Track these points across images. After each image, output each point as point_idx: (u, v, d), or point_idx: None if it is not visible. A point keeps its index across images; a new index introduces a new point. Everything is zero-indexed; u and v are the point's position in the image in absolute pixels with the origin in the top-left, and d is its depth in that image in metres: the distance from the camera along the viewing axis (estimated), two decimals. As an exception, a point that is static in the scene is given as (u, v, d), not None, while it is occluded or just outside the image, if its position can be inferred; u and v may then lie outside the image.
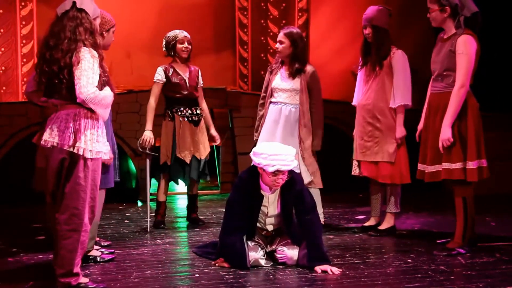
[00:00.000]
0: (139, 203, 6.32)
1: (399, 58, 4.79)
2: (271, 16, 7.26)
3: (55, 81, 3.43)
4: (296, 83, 4.82)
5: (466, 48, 4.19)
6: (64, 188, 3.44)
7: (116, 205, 6.14)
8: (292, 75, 4.82)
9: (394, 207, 4.91)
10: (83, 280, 3.56)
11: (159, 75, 5.15)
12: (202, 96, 5.32)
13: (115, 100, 3.61)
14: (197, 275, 3.89)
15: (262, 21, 7.27)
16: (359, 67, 4.99)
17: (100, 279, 3.78)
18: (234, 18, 7.28)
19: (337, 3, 7.47)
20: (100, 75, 3.46)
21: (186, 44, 5.13)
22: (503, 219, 5.45)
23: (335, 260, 4.16)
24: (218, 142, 5.44)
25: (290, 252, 4.06)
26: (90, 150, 3.44)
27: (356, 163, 4.98)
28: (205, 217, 5.53)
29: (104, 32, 4.13)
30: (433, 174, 4.34)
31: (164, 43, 5.19)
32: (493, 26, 6.63)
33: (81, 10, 3.50)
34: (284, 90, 4.85)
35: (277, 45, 4.86)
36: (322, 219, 4.82)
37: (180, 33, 5.14)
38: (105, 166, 3.74)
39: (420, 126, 4.58)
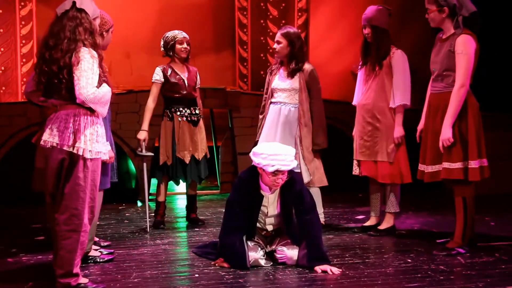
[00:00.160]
0: (139, 203, 6.32)
1: (398, 58, 4.79)
2: (270, 16, 7.27)
3: (55, 81, 3.43)
4: (295, 83, 4.82)
5: (465, 48, 4.19)
6: (63, 189, 3.44)
7: (115, 205, 6.14)
8: (291, 74, 4.83)
9: (393, 207, 4.91)
10: (83, 280, 3.56)
11: (157, 75, 5.15)
12: (199, 96, 5.33)
13: (114, 100, 3.61)
14: (196, 275, 3.89)
15: (262, 21, 7.27)
16: (359, 67, 4.99)
17: (99, 279, 3.78)
18: (233, 18, 7.28)
19: (337, 3, 7.47)
20: (99, 75, 3.46)
21: (185, 45, 5.14)
22: (503, 219, 5.45)
23: (335, 260, 4.16)
24: None
25: (290, 252, 4.06)
26: (89, 150, 3.44)
27: (356, 162, 4.98)
28: (204, 217, 5.53)
29: (104, 33, 4.13)
30: (433, 174, 4.34)
31: (162, 43, 5.19)
32: (492, 26, 6.64)
33: (81, 10, 3.50)
34: (283, 90, 4.86)
35: (275, 45, 4.88)
36: (322, 219, 4.82)
37: (179, 34, 5.14)
38: (103, 167, 3.73)
39: (420, 126, 4.58)
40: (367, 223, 5.06)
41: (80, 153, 3.42)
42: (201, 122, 5.28)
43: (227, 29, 7.29)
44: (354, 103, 5.04)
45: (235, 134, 6.79)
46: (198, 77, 5.28)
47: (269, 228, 4.18)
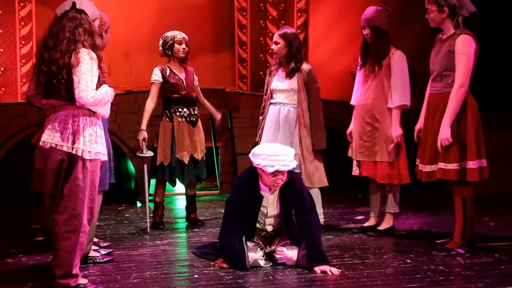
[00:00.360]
0: (138, 204, 6.32)
1: (397, 59, 4.79)
2: (270, 17, 7.26)
3: (54, 81, 3.43)
4: (293, 83, 4.83)
5: (465, 48, 4.19)
6: (62, 189, 3.44)
7: (115, 206, 6.14)
8: (289, 75, 4.84)
9: (393, 208, 4.91)
10: (82, 281, 3.56)
11: (156, 76, 5.15)
12: (200, 92, 5.34)
13: (114, 100, 3.61)
14: (196, 275, 3.89)
15: (261, 22, 7.27)
16: (358, 67, 4.99)
17: (99, 280, 3.78)
18: (233, 18, 7.28)
19: (336, 3, 7.47)
20: (99, 76, 3.46)
21: (183, 46, 5.14)
22: (502, 219, 5.45)
23: (335, 260, 4.16)
24: (218, 117, 5.43)
25: (290, 253, 4.06)
26: (89, 151, 3.44)
27: (356, 163, 4.98)
28: (204, 218, 5.53)
29: (103, 33, 4.13)
30: (430, 174, 4.34)
31: (161, 42, 5.19)
32: (492, 26, 6.64)
33: (81, 11, 3.50)
34: (282, 91, 4.86)
35: (273, 46, 4.89)
36: (322, 220, 4.82)
37: (179, 34, 5.15)
38: (102, 169, 3.73)
39: (418, 126, 4.58)
40: (367, 224, 5.06)
41: (79, 154, 3.42)
42: (200, 123, 5.28)
43: (227, 30, 7.29)
44: (352, 103, 5.04)
45: (234, 135, 6.79)
46: (195, 76, 5.29)
47: (269, 228, 4.18)
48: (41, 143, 3.47)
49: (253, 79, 7.24)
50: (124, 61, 7.03)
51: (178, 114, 5.17)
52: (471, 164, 4.22)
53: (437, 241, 4.58)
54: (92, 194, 3.50)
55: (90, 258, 4.10)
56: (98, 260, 4.12)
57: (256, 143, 4.94)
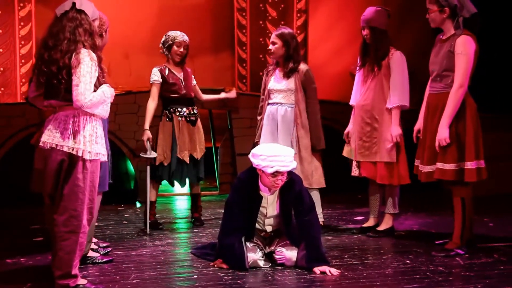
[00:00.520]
0: (138, 204, 6.32)
1: (397, 59, 4.79)
2: (269, 17, 7.27)
3: (54, 81, 3.43)
4: (290, 83, 4.84)
5: (465, 49, 4.19)
6: (62, 190, 3.44)
7: (114, 206, 6.14)
8: (286, 75, 4.84)
9: (392, 208, 4.91)
10: (81, 281, 3.56)
11: (156, 76, 5.15)
12: (199, 91, 5.36)
13: (113, 101, 3.61)
14: (195, 276, 3.89)
15: (261, 22, 7.28)
16: (357, 68, 4.99)
17: (98, 280, 3.78)
18: (232, 19, 7.29)
19: (336, 4, 7.48)
20: (98, 77, 3.46)
21: (182, 49, 5.14)
22: (502, 220, 5.45)
23: (334, 261, 4.16)
24: (233, 94, 5.45)
25: (289, 253, 4.06)
26: (89, 152, 3.44)
27: (356, 163, 4.98)
28: (203, 218, 5.52)
29: (103, 33, 4.13)
30: (428, 174, 4.35)
31: (162, 40, 5.19)
32: (492, 27, 6.64)
33: (81, 11, 3.50)
34: (279, 91, 4.87)
35: (270, 46, 4.89)
36: (321, 220, 4.82)
37: (180, 36, 5.14)
38: (102, 169, 3.73)
39: (417, 126, 4.58)
40: (366, 224, 5.06)
41: (80, 154, 3.42)
42: (199, 122, 5.28)
43: (226, 30, 7.30)
44: (351, 103, 5.04)
45: (234, 135, 6.79)
46: (193, 76, 5.30)
47: (268, 229, 4.18)
48: (41, 144, 3.47)
49: (252, 79, 7.25)
50: (123, 62, 7.04)
51: (177, 113, 5.17)
52: (469, 165, 4.22)
53: (436, 242, 4.58)
54: (92, 194, 3.50)
55: (89, 258, 4.10)
56: (97, 261, 4.12)
57: (256, 143, 4.95)
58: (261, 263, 4.05)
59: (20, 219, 5.63)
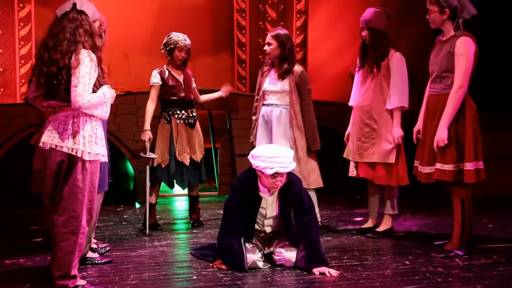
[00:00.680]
0: (137, 205, 6.32)
1: (396, 60, 4.80)
2: (269, 18, 7.28)
3: (54, 82, 3.43)
4: (285, 84, 4.84)
5: (465, 50, 4.20)
6: (62, 190, 3.44)
7: (114, 207, 6.13)
8: (281, 76, 4.85)
9: (391, 209, 4.92)
10: (81, 282, 3.56)
11: (155, 78, 5.15)
12: (197, 93, 5.35)
13: (113, 102, 3.61)
14: (194, 277, 3.89)
15: (260, 23, 7.28)
16: (357, 69, 5.00)
17: (97, 281, 3.78)
18: (232, 19, 7.29)
19: (335, 5, 7.49)
20: (98, 77, 3.46)
21: (183, 54, 5.14)
22: (501, 221, 5.46)
23: (333, 262, 4.16)
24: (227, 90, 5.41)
25: (288, 254, 4.06)
26: (88, 152, 3.44)
27: (354, 164, 4.98)
28: (203, 219, 5.52)
29: (102, 33, 4.13)
30: (428, 175, 4.35)
31: (164, 41, 5.17)
32: (492, 28, 6.65)
33: (81, 12, 3.50)
34: (274, 92, 4.88)
35: (266, 47, 4.89)
36: (318, 220, 4.82)
37: (182, 41, 5.11)
38: (102, 170, 3.73)
39: (417, 127, 4.59)
40: (365, 225, 5.07)
41: (79, 155, 3.42)
42: (198, 125, 5.28)
43: (226, 31, 7.30)
44: (350, 104, 5.05)
45: (233, 136, 6.79)
46: (193, 78, 5.29)
47: (268, 230, 4.18)
48: (41, 144, 3.47)
49: (252, 80, 7.25)
50: (123, 62, 7.03)
51: (176, 116, 5.17)
52: (468, 166, 4.22)
53: (435, 243, 4.58)
54: (91, 195, 3.50)
55: (88, 259, 4.10)
56: (96, 261, 4.12)
57: (251, 144, 4.97)
58: (260, 264, 4.05)
59: (20, 219, 5.63)
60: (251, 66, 7.25)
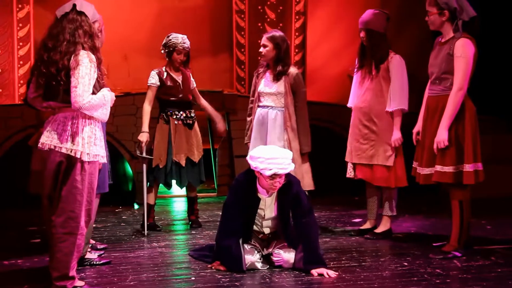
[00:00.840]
0: (136, 206, 6.31)
1: (396, 63, 4.80)
2: (268, 19, 7.28)
3: (53, 83, 3.43)
4: (280, 86, 4.85)
5: (464, 52, 4.20)
6: (60, 191, 3.44)
7: (112, 207, 6.13)
8: (276, 78, 4.85)
9: (390, 210, 4.92)
10: (79, 283, 3.56)
11: (153, 79, 5.14)
12: (199, 94, 5.34)
13: (112, 104, 3.60)
14: (193, 278, 3.89)
15: (259, 24, 7.28)
16: (355, 70, 5.00)
17: (95, 282, 3.77)
18: (231, 21, 7.29)
19: (334, 6, 7.48)
20: (98, 78, 3.46)
21: (182, 56, 5.13)
22: (499, 223, 5.46)
23: (332, 263, 4.16)
24: (219, 125, 5.34)
25: (287, 255, 4.07)
26: (87, 153, 3.44)
27: (351, 165, 4.98)
28: (201, 220, 5.52)
29: (99, 33, 4.12)
30: (427, 176, 4.35)
31: (164, 41, 5.16)
32: (492, 29, 6.65)
33: (81, 13, 3.51)
34: (269, 94, 4.88)
35: (261, 49, 4.90)
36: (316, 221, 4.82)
37: (181, 44, 5.10)
38: (101, 171, 3.73)
39: (416, 129, 4.59)
40: (364, 226, 5.07)
41: (78, 156, 3.42)
42: (196, 125, 5.28)
43: (225, 32, 7.30)
44: (349, 105, 5.05)
45: (232, 137, 6.79)
46: (192, 79, 5.29)
47: (266, 231, 4.18)
48: (39, 145, 3.46)
49: (251, 81, 7.20)
50: (122, 63, 7.03)
51: (174, 116, 5.17)
52: (468, 167, 4.23)
53: (434, 244, 4.58)
54: (90, 196, 3.50)
55: (86, 260, 4.10)
56: (94, 262, 4.12)
57: (246, 145, 4.97)
58: (259, 265, 4.05)
59: (18, 220, 5.62)
60: (250, 67, 7.24)
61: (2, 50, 6.72)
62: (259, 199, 4.07)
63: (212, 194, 6.91)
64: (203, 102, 5.37)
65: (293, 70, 4.89)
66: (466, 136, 4.24)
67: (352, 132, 4.98)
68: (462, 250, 4.33)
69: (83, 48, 3.43)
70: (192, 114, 5.26)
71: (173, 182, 5.29)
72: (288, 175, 4.01)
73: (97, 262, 4.13)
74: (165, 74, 5.17)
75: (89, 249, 4.23)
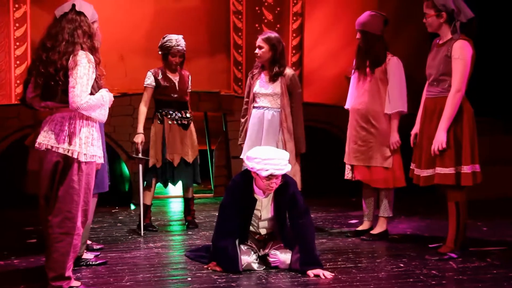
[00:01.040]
0: (132, 207, 6.31)
1: (394, 65, 4.80)
2: (265, 20, 7.28)
3: (51, 83, 3.42)
4: (276, 87, 4.85)
5: (462, 53, 4.21)
6: (57, 191, 3.43)
7: (108, 208, 6.12)
8: (272, 79, 4.85)
9: (387, 212, 4.92)
10: (75, 283, 3.55)
11: (149, 79, 5.14)
12: (190, 101, 5.33)
13: (110, 105, 3.60)
14: (189, 278, 3.89)
15: (257, 25, 7.28)
16: (352, 71, 5.01)
17: (92, 282, 3.77)
18: (228, 21, 7.29)
19: (332, 7, 7.50)
20: (96, 79, 3.45)
21: (177, 59, 5.13)
22: (495, 224, 5.47)
23: (328, 264, 4.16)
24: None
25: (283, 256, 4.07)
26: (84, 154, 3.44)
27: (349, 167, 4.98)
28: (198, 221, 5.52)
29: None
30: (427, 178, 4.35)
31: (160, 43, 5.16)
32: (489, 31, 6.67)
33: (80, 13, 3.50)
34: (265, 95, 4.88)
35: (257, 50, 4.90)
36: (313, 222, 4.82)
37: (175, 47, 5.07)
38: (98, 171, 3.73)
39: (414, 130, 4.59)
40: (360, 228, 5.07)
41: (75, 156, 3.41)
42: (192, 126, 5.27)
43: (222, 33, 7.31)
44: (346, 107, 5.05)
45: (229, 138, 6.79)
46: (189, 81, 5.28)
47: (263, 231, 4.19)
48: (36, 145, 3.46)
49: (248, 82, 7.24)
50: (119, 63, 7.02)
51: (169, 116, 5.17)
52: (466, 169, 4.24)
53: (430, 245, 4.59)
54: (86, 196, 3.50)
55: (83, 260, 4.09)
56: (91, 263, 4.11)
57: (239, 146, 4.97)
58: (255, 265, 4.05)
59: (14, 220, 5.61)
60: (247, 68, 7.24)
61: (-1, 50, 6.71)
62: (255, 200, 4.08)
63: (208, 195, 6.90)
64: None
65: (289, 71, 4.89)
66: (464, 138, 4.25)
67: (349, 134, 4.98)
68: (458, 251, 4.34)
69: (82, 49, 3.43)
70: (188, 115, 5.25)
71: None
72: (284, 176, 4.02)
73: (93, 263, 4.13)
74: (160, 74, 5.16)
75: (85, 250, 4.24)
